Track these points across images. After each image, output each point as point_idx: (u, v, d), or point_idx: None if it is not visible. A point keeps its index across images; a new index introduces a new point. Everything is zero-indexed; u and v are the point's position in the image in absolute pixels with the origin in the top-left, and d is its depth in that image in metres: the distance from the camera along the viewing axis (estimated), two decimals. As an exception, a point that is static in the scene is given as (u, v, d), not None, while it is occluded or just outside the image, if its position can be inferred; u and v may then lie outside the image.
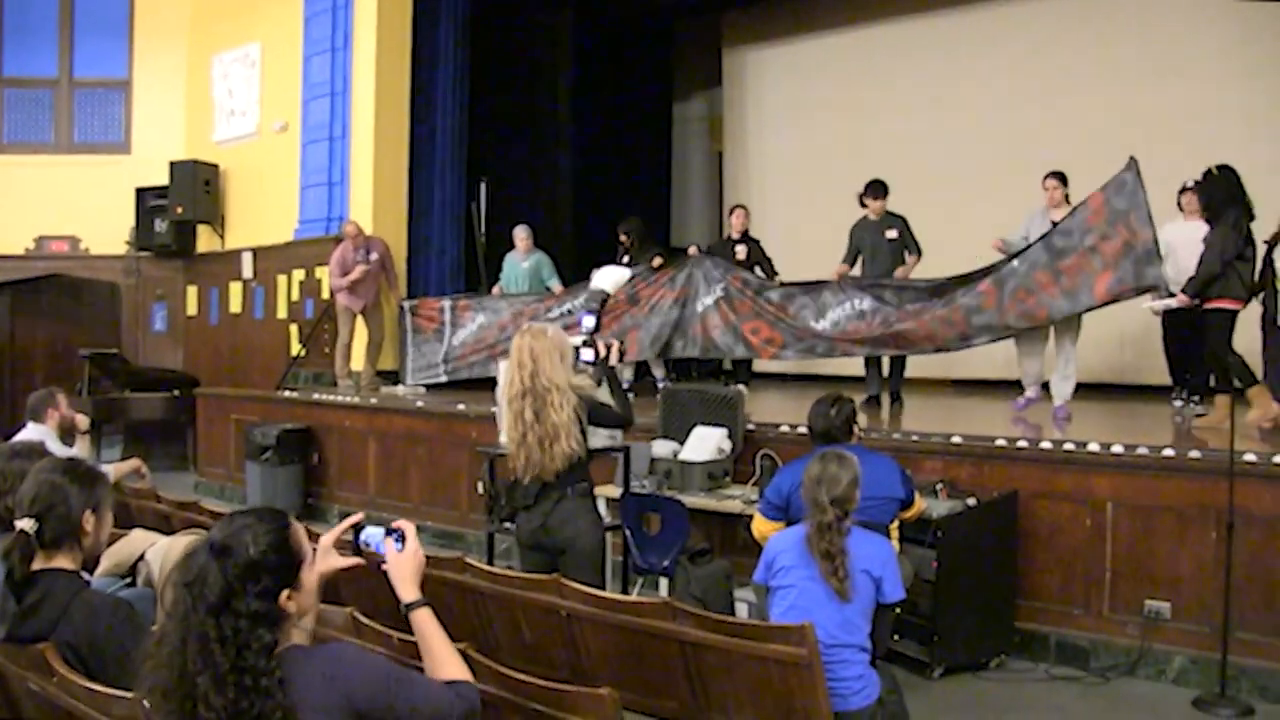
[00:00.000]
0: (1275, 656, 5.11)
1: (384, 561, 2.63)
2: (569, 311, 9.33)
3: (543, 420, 4.33)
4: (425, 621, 2.55)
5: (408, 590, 2.59)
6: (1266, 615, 5.15)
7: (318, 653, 2.28)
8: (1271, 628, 5.13)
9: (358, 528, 2.72)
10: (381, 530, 2.66)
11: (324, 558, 2.62)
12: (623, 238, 9.95)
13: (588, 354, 4.73)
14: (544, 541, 4.45)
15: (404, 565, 2.61)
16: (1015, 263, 7.14)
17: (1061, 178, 7.48)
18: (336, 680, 2.21)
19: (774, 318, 8.50)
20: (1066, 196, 7.44)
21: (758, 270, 9.20)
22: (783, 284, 8.75)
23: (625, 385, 9.49)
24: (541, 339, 4.42)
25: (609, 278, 5.52)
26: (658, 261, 9.16)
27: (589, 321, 5.09)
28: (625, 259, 9.73)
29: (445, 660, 2.51)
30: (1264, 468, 5.22)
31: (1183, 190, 7.60)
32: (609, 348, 4.82)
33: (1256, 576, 5.16)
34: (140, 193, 12.85)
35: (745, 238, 9.54)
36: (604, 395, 4.62)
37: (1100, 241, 6.80)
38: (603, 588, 4.31)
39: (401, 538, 2.64)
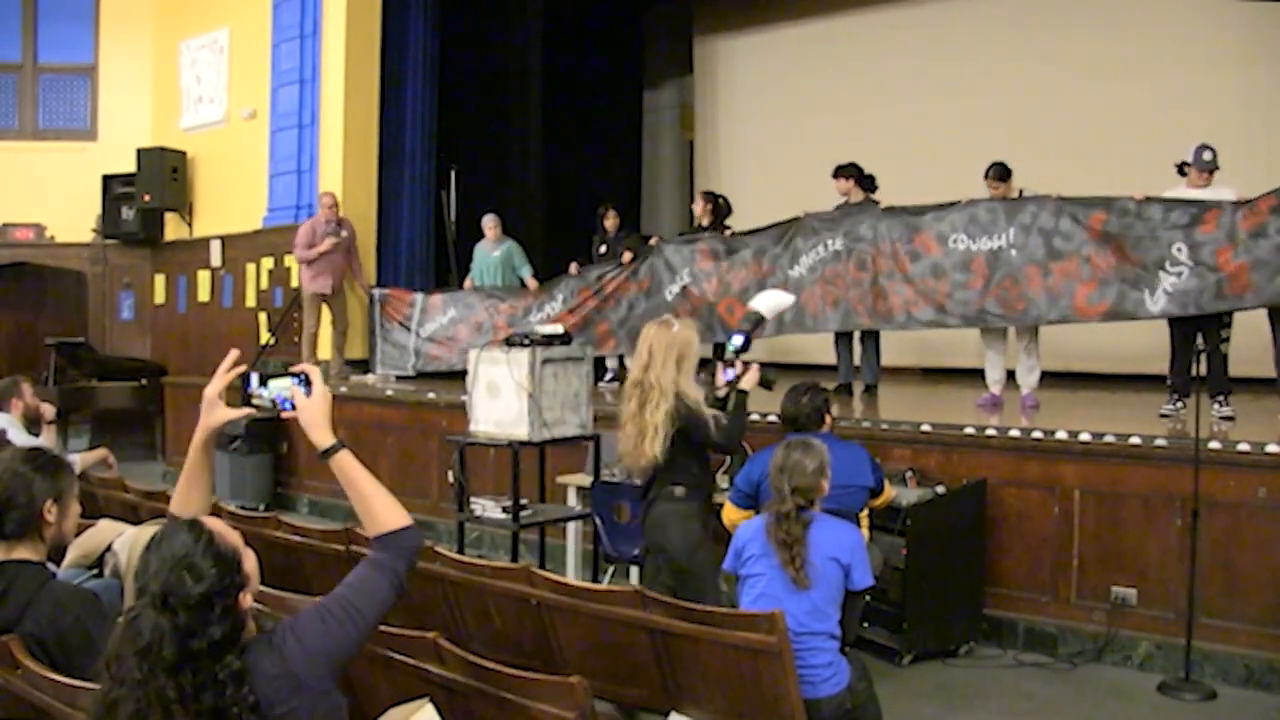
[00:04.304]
0: (1238, 641, 5.19)
1: (284, 410, 2.54)
2: (549, 316, 9.28)
3: (642, 415, 4.31)
4: (348, 465, 2.46)
5: (323, 435, 2.48)
6: (1230, 601, 5.22)
7: (266, 649, 2.18)
8: (1235, 613, 5.21)
9: (258, 378, 2.59)
10: (287, 380, 2.54)
11: (210, 410, 2.56)
12: (612, 217, 9.86)
13: (729, 373, 4.65)
14: (649, 543, 4.50)
15: (314, 410, 2.51)
16: (1014, 253, 7.15)
17: (1000, 175, 7.35)
18: (291, 666, 2.16)
19: (745, 285, 8.32)
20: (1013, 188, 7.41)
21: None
22: (749, 233, 8.56)
23: (610, 375, 9.55)
24: (665, 334, 4.39)
25: (767, 301, 5.26)
26: (628, 257, 9.12)
27: (737, 341, 4.94)
28: (602, 248, 9.69)
29: (376, 504, 2.43)
30: (1228, 455, 5.29)
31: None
32: (746, 368, 4.69)
33: (1220, 563, 5.24)
34: (107, 180, 12.68)
35: (714, 223, 9.47)
36: (711, 413, 4.46)
37: (1094, 253, 6.86)
38: (718, 603, 4.21)
39: (306, 382, 2.53)
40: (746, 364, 4.72)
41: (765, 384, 4.81)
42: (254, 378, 2.58)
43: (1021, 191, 7.30)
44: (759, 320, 5.11)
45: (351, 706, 2.45)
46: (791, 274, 8.13)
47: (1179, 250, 6.53)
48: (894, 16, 12.02)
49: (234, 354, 2.64)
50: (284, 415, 2.56)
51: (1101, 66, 10.33)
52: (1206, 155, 6.69)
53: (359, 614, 2.29)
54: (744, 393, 4.65)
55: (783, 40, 13.10)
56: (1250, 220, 6.27)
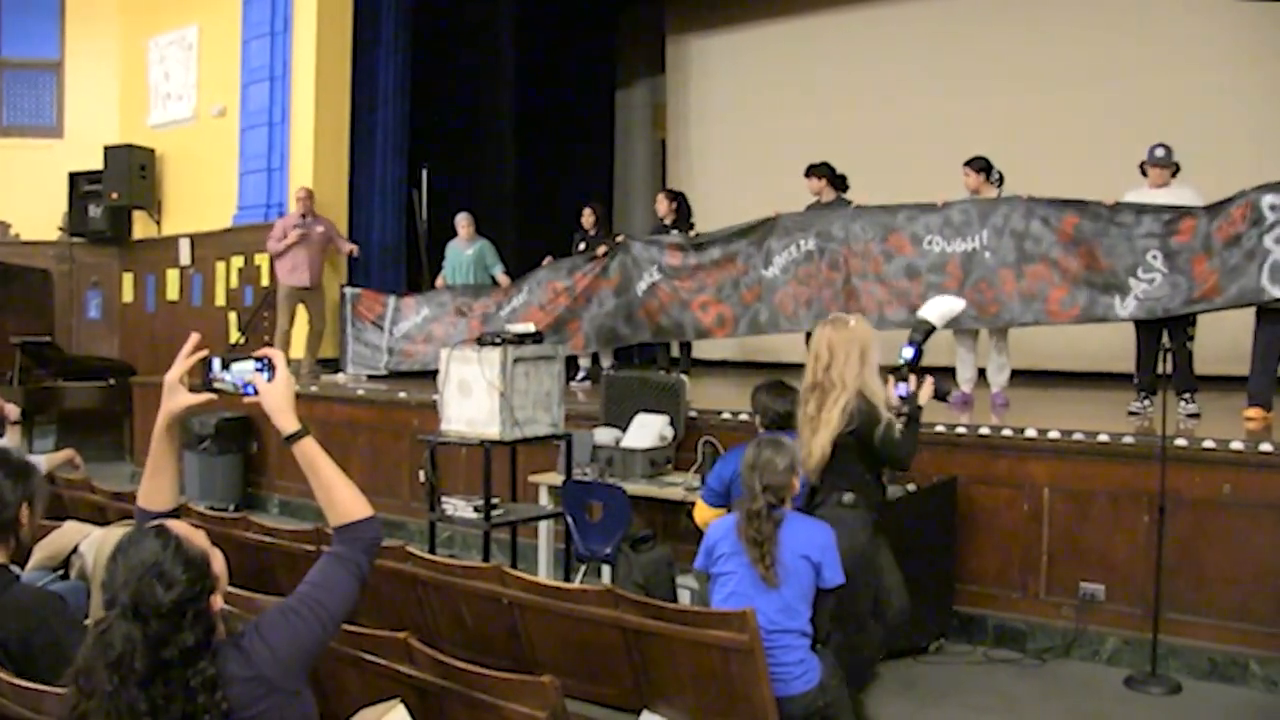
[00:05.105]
0: (1203, 636, 5.25)
1: (246, 395, 2.51)
2: (515, 310, 9.28)
3: (819, 415, 4.15)
4: (312, 452, 2.44)
5: (286, 420, 2.45)
6: (1195, 596, 5.28)
7: (235, 652, 2.18)
8: (1200, 608, 5.27)
9: (221, 362, 2.56)
10: (250, 364, 2.51)
11: (171, 395, 2.51)
12: (588, 215, 9.88)
13: (902, 388, 4.39)
14: None
15: (277, 395, 2.48)
16: (987, 255, 7.21)
17: (976, 166, 7.45)
18: (260, 668, 2.16)
19: (720, 283, 8.40)
20: (1000, 181, 7.48)
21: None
22: (717, 233, 8.56)
23: (582, 374, 9.54)
24: (842, 330, 4.21)
25: (937, 309, 4.88)
26: (602, 250, 9.13)
27: (908, 353, 4.62)
28: (582, 246, 9.68)
29: (338, 493, 2.43)
30: (1194, 453, 5.35)
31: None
32: (921, 382, 4.42)
33: (1186, 559, 5.29)
34: (73, 177, 12.56)
35: (678, 221, 9.47)
36: (888, 416, 4.21)
37: (1063, 256, 6.94)
38: (854, 625, 4.16)
39: (269, 366, 2.50)
40: (920, 377, 4.46)
41: (941, 396, 4.64)
42: (216, 362, 2.56)
43: (1000, 192, 7.37)
44: (930, 330, 4.75)
45: (322, 707, 2.44)
46: (765, 274, 8.17)
47: (1154, 257, 6.61)
48: (868, 16, 12.05)
49: (195, 337, 2.60)
50: (246, 400, 2.53)
51: (1083, 67, 10.37)
52: (1159, 152, 6.81)
53: (324, 610, 2.28)
54: (919, 408, 4.38)
55: (755, 40, 13.12)
56: (1225, 230, 6.33)
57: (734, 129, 13.12)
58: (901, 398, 4.34)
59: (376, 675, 2.94)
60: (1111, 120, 9.85)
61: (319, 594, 2.30)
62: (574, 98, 14.12)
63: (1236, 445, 5.29)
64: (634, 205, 14.78)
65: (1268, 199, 6.13)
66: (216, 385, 2.56)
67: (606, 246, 9.14)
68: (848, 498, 4.24)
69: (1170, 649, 5.22)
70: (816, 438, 4.14)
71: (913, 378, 4.39)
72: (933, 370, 4.65)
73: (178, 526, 2.24)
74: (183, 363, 2.55)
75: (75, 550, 3.74)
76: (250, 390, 2.52)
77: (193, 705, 2.04)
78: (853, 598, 4.09)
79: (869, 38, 11.97)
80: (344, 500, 2.43)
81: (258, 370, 2.51)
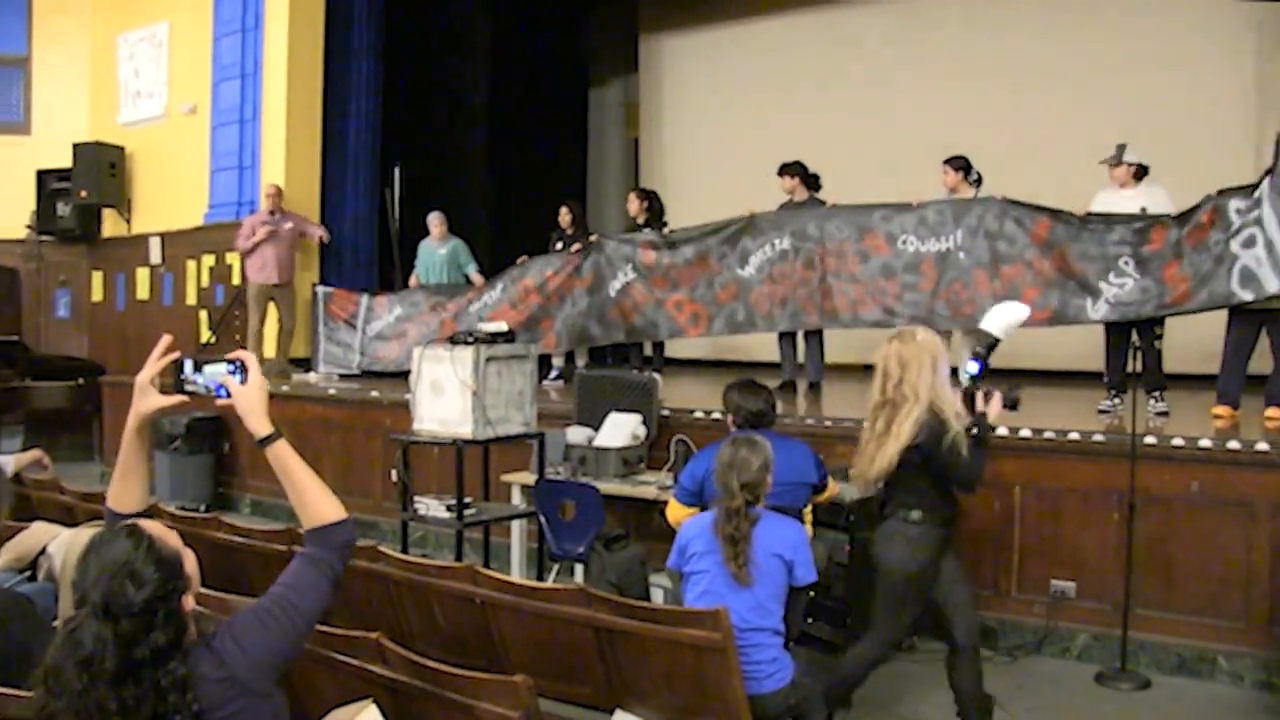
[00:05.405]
0: (1172, 631, 5.31)
1: (219, 397, 2.50)
2: (487, 305, 9.26)
3: (888, 431, 4.02)
4: (285, 455, 2.43)
5: (259, 423, 2.45)
6: (1164, 592, 5.34)
7: (206, 653, 2.17)
8: (1168, 604, 5.33)
9: (193, 364, 2.55)
10: (222, 367, 2.51)
11: (142, 397, 2.50)
12: (565, 214, 9.83)
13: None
14: (871, 557, 4.25)
15: (250, 398, 2.47)
16: (962, 255, 7.27)
17: (956, 165, 7.55)
18: (232, 670, 2.15)
19: (694, 282, 8.41)
20: (979, 181, 7.54)
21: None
22: (690, 235, 8.55)
23: (555, 373, 9.52)
24: (911, 343, 4.10)
25: (999, 320, 4.62)
26: (576, 247, 9.12)
27: (973, 368, 4.42)
28: (559, 244, 9.65)
29: (311, 495, 2.43)
30: (1163, 450, 5.40)
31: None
32: (989, 398, 4.25)
33: (1155, 555, 5.35)
34: (41, 175, 12.45)
35: (650, 220, 9.46)
36: (956, 431, 4.06)
37: (1036, 258, 7.03)
38: (897, 632, 4.27)
39: (242, 369, 2.50)
40: (988, 393, 4.29)
41: (1011, 405, 4.51)
42: (188, 364, 2.55)
43: (978, 192, 7.42)
44: (994, 343, 4.54)
45: (294, 708, 2.43)
46: (740, 274, 8.19)
47: (1126, 263, 6.72)
48: (840, 16, 12.10)
49: (167, 339, 2.58)
50: (219, 402, 2.52)
51: (1057, 65, 10.44)
52: (1112, 151, 6.88)
53: (298, 612, 2.27)
54: (990, 426, 4.23)
55: (727, 39, 13.15)
56: (1194, 236, 6.43)
57: (707, 128, 13.14)
58: (972, 415, 4.21)
59: (348, 675, 2.93)
60: (1088, 119, 9.88)
61: (292, 595, 2.29)
62: (547, 97, 14.11)
63: (1205, 443, 5.35)
64: (607, 204, 14.77)
65: (1234, 204, 6.22)
66: (188, 387, 2.55)
67: (580, 245, 9.12)
68: (915, 515, 4.12)
69: (1140, 645, 5.28)
70: (884, 450, 4.03)
71: (979, 394, 4.26)
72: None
73: (150, 526, 2.22)
74: (154, 364, 2.53)
75: (43, 551, 3.71)
76: (222, 393, 2.51)
77: (163, 705, 2.03)
78: (895, 613, 4.21)
79: (841, 37, 12.02)
80: (317, 503, 2.42)
81: (230, 373, 2.50)
